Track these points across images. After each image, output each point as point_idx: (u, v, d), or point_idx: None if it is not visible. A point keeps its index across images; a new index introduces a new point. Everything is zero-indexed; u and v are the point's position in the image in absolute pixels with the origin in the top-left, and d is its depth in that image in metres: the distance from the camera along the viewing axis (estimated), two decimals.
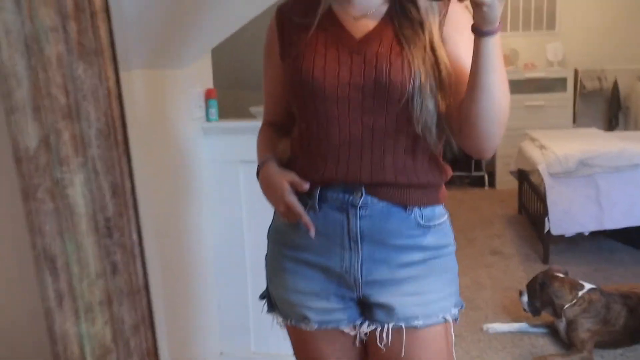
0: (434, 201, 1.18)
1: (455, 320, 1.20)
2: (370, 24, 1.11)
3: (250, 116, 3.33)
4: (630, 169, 3.73)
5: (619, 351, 2.69)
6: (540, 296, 2.77)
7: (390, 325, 1.16)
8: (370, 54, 1.08)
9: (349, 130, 1.10)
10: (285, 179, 1.16)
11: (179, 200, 2.14)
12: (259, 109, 3.29)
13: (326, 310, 1.19)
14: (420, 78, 1.05)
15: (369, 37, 1.10)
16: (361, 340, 1.22)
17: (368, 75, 1.07)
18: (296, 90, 1.14)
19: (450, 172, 1.22)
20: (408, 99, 1.06)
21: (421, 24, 1.08)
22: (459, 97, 1.06)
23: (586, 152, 3.77)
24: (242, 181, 2.37)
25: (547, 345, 2.78)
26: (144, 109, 1.87)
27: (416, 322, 1.15)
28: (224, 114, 2.78)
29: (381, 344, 1.16)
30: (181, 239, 2.16)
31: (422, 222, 1.15)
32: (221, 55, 3.41)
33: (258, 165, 1.26)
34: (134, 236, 0.56)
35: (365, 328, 1.19)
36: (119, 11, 1.39)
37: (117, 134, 0.50)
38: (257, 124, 2.39)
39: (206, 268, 2.38)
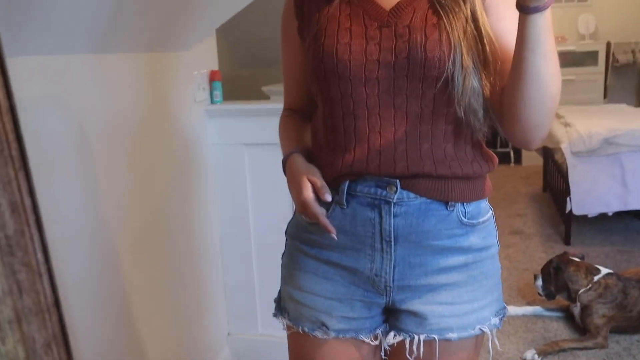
0: (479, 195, 1.05)
1: (495, 328, 1.09)
2: None
3: (264, 96, 3.31)
4: None
5: (636, 337, 2.61)
6: (555, 281, 2.71)
7: (422, 337, 1.05)
8: (402, 27, 0.95)
9: (380, 115, 0.97)
10: (306, 176, 1.03)
11: (184, 183, 2.14)
12: (272, 88, 3.26)
13: (348, 318, 1.07)
14: (462, 52, 0.92)
15: (400, 7, 0.97)
16: (384, 351, 1.10)
17: (400, 50, 0.95)
18: (318, 71, 1.00)
19: (496, 160, 1.09)
20: (447, 78, 0.93)
21: None
22: (503, 78, 0.94)
23: (612, 130, 3.64)
24: (248, 164, 2.35)
25: (560, 330, 2.73)
26: (147, 93, 1.86)
27: (450, 335, 1.04)
28: (237, 94, 2.76)
29: (411, 357, 1.05)
30: (187, 222, 2.15)
31: (465, 220, 1.02)
32: (233, 33, 3.37)
33: (283, 160, 1.13)
34: (39, 255, 0.53)
35: (392, 339, 1.07)
36: None
37: (10, 150, 0.47)
38: (263, 105, 2.39)
39: (212, 251, 2.38)
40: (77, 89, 1.49)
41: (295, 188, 1.05)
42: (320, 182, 1.02)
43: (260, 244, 2.42)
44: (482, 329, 1.07)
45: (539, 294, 2.84)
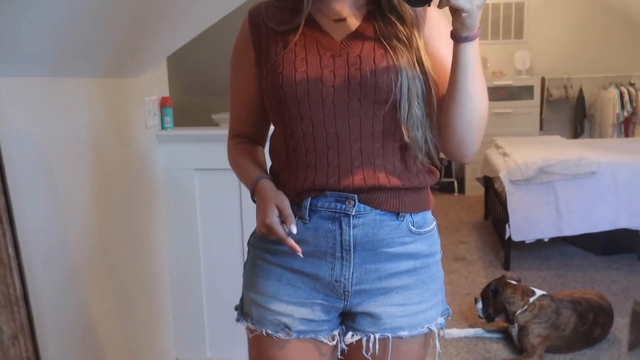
0: (425, 207, 1.17)
1: (441, 328, 1.20)
2: (350, 27, 1.11)
3: (213, 123, 3.36)
4: (587, 177, 3.81)
5: (569, 356, 2.74)
6: (494, 303, 2.83)
7: (377, 336, 1.14)
8: (354, 56, 1.07)
9: (337, 135, 1.08)
10: (275, 202, 1.10)
11: (135, 206, 2.15)
12: (221, 116, 3.31)
13: (309, 320, 1.16)
14: (407, 80, 1.05)
15: (350, 39, 1.09)
16: (340, 351, 1.19)
17: (353, 76, 1.06)
18: (278, 98, 1.10)
19: (437, 174, 1.20)
20: (395, 103, 1.06)
21: (404, 29, 1.09)
22: (440, 101, 1.08)
23: (546, 160, 3.84)
24: (198, 189, 2.39)
25: (500, 350, 2.84)
26: (98, 118, 1.89)
27: (402, 333, 1.14)
28: (187, 121, 2.80)
29: (367, 354, 1.15)
30: (137, 245, 2.17)
31: (414, 229, 1.14)
32: (184, 61, 3.43)
33: (251, 187, 1.17)
34: (10, 250, 0.58)
35: (350, 338, 1.17)
36: (67, 19, 1.41)
37: None
38: (213, 131, 2.45)
39: (161, 275, 2.39)
40: (33, 110, 1.52)
41: (262, 212, 1.11)
42: (287, 210, 1.09)
43: (209, 269, 2.45)
44: (430, 327, 1.17)
45: (479, 316, 2.95)
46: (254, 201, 1.17)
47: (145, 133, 2.25)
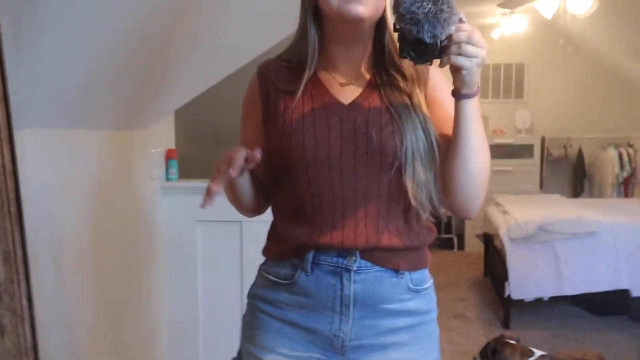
0: (424, 264, 1.19)
1: None
2: (356, 90, 1.13)
3: None
4: (587, 236, 3.83)
5: None
6: None
7: None
8: (361, 120, 1.09)
9: (343, 197, 1.10)
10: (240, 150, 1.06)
11: (136, 257, 2.17)
12: None
13: None
14: (412, 147, 1.08)
15: (357, 103, 1.12)
16: None
17: (360, 141, 1.09)
18: (285, 159, 1.12)
19: (435, 232, 1.22)
20: (400, 166, 1.09)
21: (408, 93, 1.12)
22: (445, 156, 1.11)
23: (545, 218, 3.87)
24: (200, 240, 2.41)
25: None
26: (105, 168, 1.93)
27: None
28: (194, 173, 2.84)
29: None
30: (136, 296, 2.17)
31: (412, 287, 1.16)
32: (192, 114, 3.50)
33: None
34: (24, 301, 0.61)
35: None
36: (80, 73, 1.47)
37: (10, 206, 0.56)
38: None
39: (159, 328, 2.39)
40: (46, 160, 1.57)
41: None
42: (239, 160, 1.04)
43: (208, 319, 2.45)
44: None
45: None
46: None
47: (150, 184, 2.29)
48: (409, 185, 1.09)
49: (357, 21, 1.08)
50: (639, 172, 5.75)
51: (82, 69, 1.47)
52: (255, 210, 1.26)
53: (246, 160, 1.04)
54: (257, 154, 1.03)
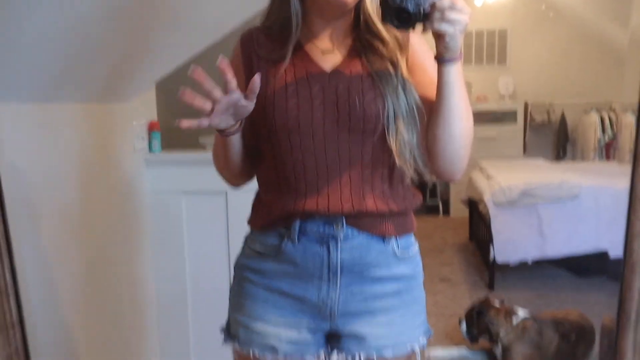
0: (409, 229, 1.21)
1: (422, 348, 1.23)
2: (338, 58, 1.14)
3: (200, 147, 3.38)
4: (569, 200, 3.88)
5: None
6: (477, 324, 2.86)
7: (362, 356, 1.18)
8: (342, 87, 1.10)
9: (327, 163, 1.11)
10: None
11: (123, 229, 2.17)
12: (209, 139, 3.34)
13: (295, 340, 1.19)
14: (393, 106, 1.09)
15: (339, 70, 1.13)
16: None
17: (342, 107, 1.10)
18: (268, 127, 1.12)
19: (421, 196, 1.24)
20: (383, 130, 1.10)
21: (389, 58, 1.12)
22: (428, 120, 1.11)
23: (528, 183, 3.92)
24: (185, 212, 2.41)
25: None
26: (87, 142, 1.92)
27: (386, 352, 1.18)
28: (174, 145, 2.83)
29: None
30: (123, 269, 2.18)
31: (398, 253, 1.18)
32: (173, 86, 3.46)
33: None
34: (7, 276, 0.61)
35: (335, 358, 1.20)
36: (57, 46, 1.44)
37: None
38: (201, 155, 2.48)
39: (147, 300, 2.40)
40: (25, 135, 1.55)
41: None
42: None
43: (195, 290, 2.46)
44: (413, 347, 1.21)
45: (464, 337, 2.98)
46: (221, 134, 1.11)
47: (133, 157, 2.28)
48: (393, 145, 1.11)
49: (344, 6, 1.10)
50: (619, 136, 5.80)
51: (60, 40, 1.44)
52: (242, 174, 1.25)
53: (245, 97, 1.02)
54: (256, 78, 1.00)
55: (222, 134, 1.11)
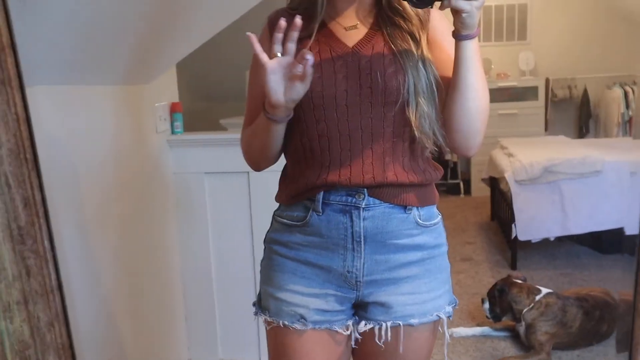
0: (431, 201, 1.23)
1: (448, 317, 1.26)
2: (360, 33, 1.17)
3: (221, 128, 3.41)
4: (592, 175, 3.84)
5: (576, 352, 2.78)
6: (500, 302, 2.86)
7: (389, 324, 1.20)
8: (365, 61, 1.14)
9: (350, 135, 1.14)
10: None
11: (145, 211, 2.21)
12: (229, 121, 3.36)
13: (323, 310, 1.21)
14: (413, 79, 1.12)
15: (361, 45, 1.16)
16: (355, 340, 1.25)
17: (364, 81, 1.13)
18: None
19: (442, 170, 1.27)
20: (403, 103, 1.13)
21: (410, 33, 1.15)
22: (445, 95, 1.14)
23: (550, 160, 3.87)
24: (208, 192, 2.44)
25: (508, 348, 2.87)
26: (112, 124, 1.94)
27: (412, 320, 1.20)
28: (195, 126, 2.85)
29: (380, 342, 1.21)
30: (148, 250, 2.22)
31: (420, 222, 1.20)
32: (194, 68, 3.49)
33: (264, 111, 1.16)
34: (46, 243, 0.63)
35: (363, 327, 1.22)
36: (85, 30, 1.46)
37: (26, 153, 0.57)
38: (222, 136, 2.50)
39: (173, 277, 2.44)
40: (57, 116, 1.59)
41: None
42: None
43: (220, 270, 2.50)
44: (439, 315, 1.24)
45: (486, 316, 2.98)
46: (269, 117, 1.14)
47: (156, 138, 2.30)
48: (412, 117, 1.13)
49: None
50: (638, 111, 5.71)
51: (83, 24, 1.46)
52: (273, 159, 1.27)
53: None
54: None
55: (276, 120, 1.14)
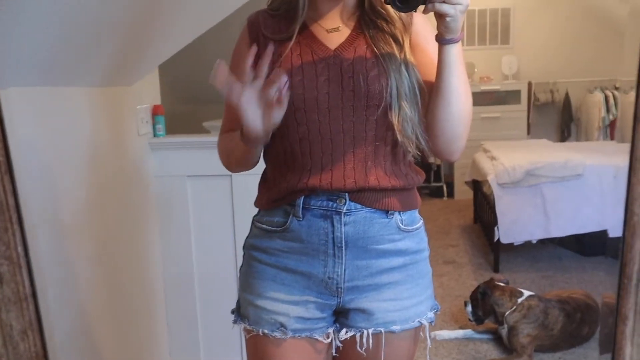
0: (413, 206, 1.22)
1: (430, 322, 1.24)
2: (342, 36, 1.16)
3: (204, 131, 3.38)
4: (574, 179, 3.88)
5: (558, 354, 2.80)
6: (482, 305, 2.87)
7: (370, 331, 1.19)
8: (347, 64, 1.12)
9: (331, 139, 1.13)
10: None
11: (126, 215, 2.18)
12: (212, 123, 3.34)
13: (304, 318, 1.19)
14: (397, 86, 1.11)
15: (343, 47, 1.14)
16: (336, 347, 1.22)
17: (346, 84, 1.12)
18: None
19: (423, 175, 1.26)
20: (386, 107, 1.11)
21: (393, 36, 1.14)
22: (428, 99, 1.13)
23: (533, 163, 3.91)
24: (190, 196, 2.42)
25: (490, 351, 2.88)
26: (93, 126, 1.92)
27: (394, 327, 1.19)
28: (177, 129, 2.83)
29: (361, 349, 1.19)
30: (128, 255, 2.19)
31: (402, 227, 1.19)
32: (176, 71, 3.46)
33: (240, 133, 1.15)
34: (19, 249, 0.61)
35: (344, 334, 1.20)
36: (62, 30, 1.44)
37: None
38: (205, 138, 2.48)
39: (154, 283, 2.42)
40: (35, 118, 1.56)
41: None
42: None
43: (202, 274, 2.47)
44: (421, 321, 1.22)
45: (469, 319, 2.99)
46: (245, 140, 1.13)
47: (138, 141, 2.28)
48: (395, 121, 1.12)
49: None
50: (621, 115, 5.77)
51: (62, 24, 1.44)
52: (252, 166, 1.25)
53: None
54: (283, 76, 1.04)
55: (251, 143, 1.13)
